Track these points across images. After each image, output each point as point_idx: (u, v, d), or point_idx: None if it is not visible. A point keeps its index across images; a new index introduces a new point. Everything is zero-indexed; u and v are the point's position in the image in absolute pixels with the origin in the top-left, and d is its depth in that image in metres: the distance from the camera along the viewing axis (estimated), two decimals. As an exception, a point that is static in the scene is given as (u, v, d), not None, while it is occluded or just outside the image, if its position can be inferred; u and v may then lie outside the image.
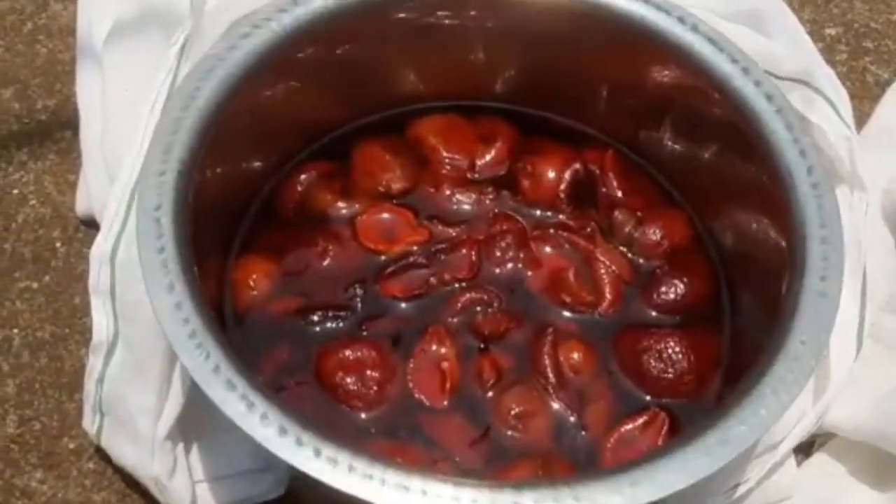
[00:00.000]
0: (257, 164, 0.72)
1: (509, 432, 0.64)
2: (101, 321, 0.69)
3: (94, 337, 0.69)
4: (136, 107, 0.75)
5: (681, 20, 0.68)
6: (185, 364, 0.53)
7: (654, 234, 0.72)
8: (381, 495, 0.49)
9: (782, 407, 0.54)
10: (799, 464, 0.72)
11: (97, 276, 0.69)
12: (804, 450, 0.72)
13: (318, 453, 0.50)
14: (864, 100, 0.89)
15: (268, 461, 0.67)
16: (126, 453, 0.68)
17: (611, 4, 0.69)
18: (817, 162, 0.63)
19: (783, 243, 0.63)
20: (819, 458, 0.72)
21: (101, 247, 0.70)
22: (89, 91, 0.84)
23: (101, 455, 0.71)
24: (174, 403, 0.66)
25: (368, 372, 0.65)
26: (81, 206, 0.81)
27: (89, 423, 0.70)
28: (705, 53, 0.67)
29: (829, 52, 0.91)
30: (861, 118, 0.84)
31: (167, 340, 0.54)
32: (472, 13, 0.71)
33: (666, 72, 0.70)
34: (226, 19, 0.73)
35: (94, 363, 0.69)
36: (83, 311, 0.76)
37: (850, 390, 0.70)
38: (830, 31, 0.95)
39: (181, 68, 0.77)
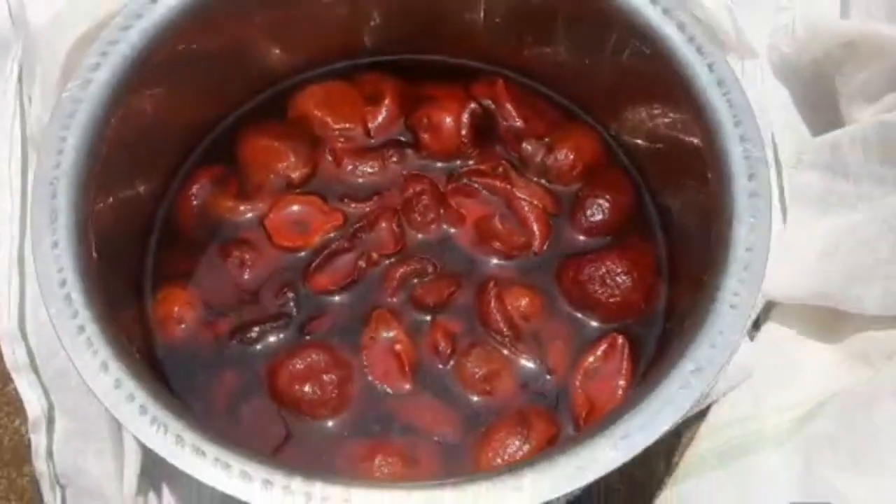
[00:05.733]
0: (144, 189, 0.68)
1: (480, 397, 0.63)
2: (31, 398, 0.65)
3: (28, 414, 0.65)
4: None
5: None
6: (129, 430, 0.52)
7: (565, 156, 0.70)
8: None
9: (743, 319, 0.55)
10: (752, 339, 0.73)
11: (12, 355, 0.65)
12: (753, 324, 0.74)
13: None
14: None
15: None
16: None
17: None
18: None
19: (696, 140, 0.62)
20: (768, 329, 0.74)
21: (4, 325, 0.65)
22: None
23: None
24: (132, 459, 0.64)
25: (324, 376, 0.63)
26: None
27: (51, 501, 0.66)
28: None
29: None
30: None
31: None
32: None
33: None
34: (62, 37, 0.67)
35: (37, 441, 0.65)
36: (4, 377, 0.71)
37: (784, 257, 0.71)
38: None
39: (28, 103, 0.71)
